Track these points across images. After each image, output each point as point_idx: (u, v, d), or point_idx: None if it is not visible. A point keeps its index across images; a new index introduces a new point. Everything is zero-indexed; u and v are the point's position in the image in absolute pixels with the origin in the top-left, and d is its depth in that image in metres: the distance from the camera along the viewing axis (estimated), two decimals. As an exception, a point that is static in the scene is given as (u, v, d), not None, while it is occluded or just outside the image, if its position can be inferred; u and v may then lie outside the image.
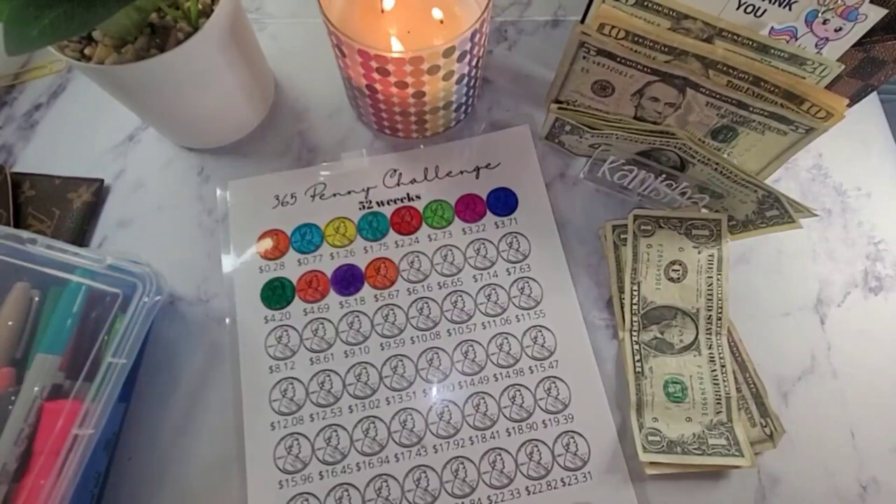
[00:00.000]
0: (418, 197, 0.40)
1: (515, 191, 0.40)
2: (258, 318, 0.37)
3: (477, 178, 0.41)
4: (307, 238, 0.39)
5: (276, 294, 0.37)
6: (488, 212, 0.40)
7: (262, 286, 0.37)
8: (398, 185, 0.40)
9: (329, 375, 0.35)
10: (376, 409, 0.35)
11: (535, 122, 0.42)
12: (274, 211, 0.39)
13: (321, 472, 0.33)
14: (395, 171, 0.41)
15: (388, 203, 0.40)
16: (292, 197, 0.40)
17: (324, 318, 0.37)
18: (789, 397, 0.36)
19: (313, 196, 0.40)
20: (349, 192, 0.40)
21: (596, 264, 0.39)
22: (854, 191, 0.41)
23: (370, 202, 0.40)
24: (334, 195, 0.40)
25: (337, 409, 0.35)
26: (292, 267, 0.38)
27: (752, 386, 0.35)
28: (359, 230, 0.39)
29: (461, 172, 0.41)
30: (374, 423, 0.34)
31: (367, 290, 0.37)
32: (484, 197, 0.40)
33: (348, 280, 0.38)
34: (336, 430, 0.34)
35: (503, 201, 0.40)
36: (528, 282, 0.38)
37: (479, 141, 0.42)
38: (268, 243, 0.39)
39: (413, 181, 0.40)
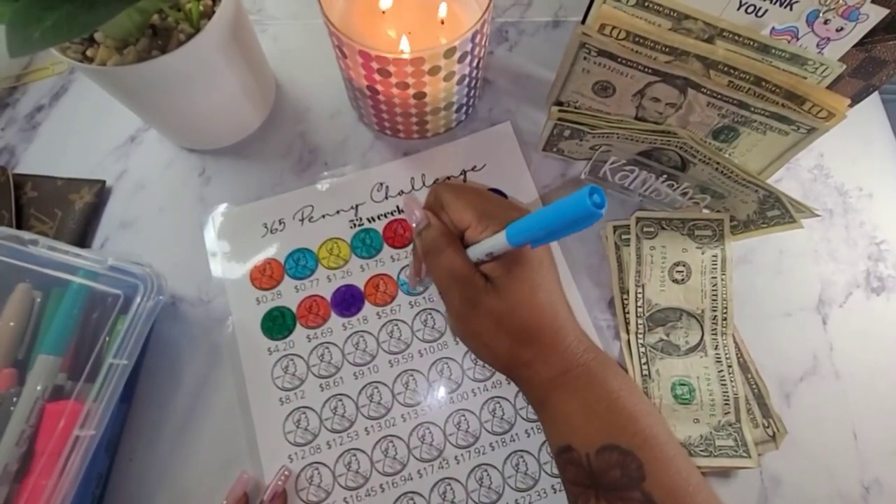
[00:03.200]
0: None
1: (504, 190, 0.40)
2: (262, 351, 0.36)
3: (464, 181, 0.40)
4: (301, 263, 0.38)
5: (277, 324, 0.37)
6: None
7: (262, 317, 0.37)
8: (386, 198, 0.40)
9: (341, 399, 0.35)
10: (393, 427, 0.34)
11: (514, 120, 0.42)
12: (263, 240, 0.39)
13: (345, 498, 0.33)
14: (382, 184, 0.40)
15: (378, 218, 0.39)
16: (280, 223, 0.39)
17: (328, 343, 0.36)
18: (791, 398, 0.36)
19: (302, 220, 0.39)
20: (338, 212, 0.39)
21: (597, 265, 0.39)
22: (856, 191, 0.41)
23: (360, 219, 0.39)
24: (323, 216, 0.39)
25: (353, 432, 0.34)
26: (290, 294, 0.37)
27: (754, 386, 0.35)
28: (353, 249, 0.38)
29: (448, 178, 0.40)
30: (392, 441, 0.34)
31: (368, 309, 0.37)
32: None
33: (348, 301, 0.37)
34: (355, 455, 0.34)
35: None
36: None
37: (461, 144, 0.41)
38: (261, 273, 0.38)
39: (401, 192, 0.40)
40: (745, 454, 0.33)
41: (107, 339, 0.33)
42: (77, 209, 0.39)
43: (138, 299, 0.33)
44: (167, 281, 0.38)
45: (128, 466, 0.34)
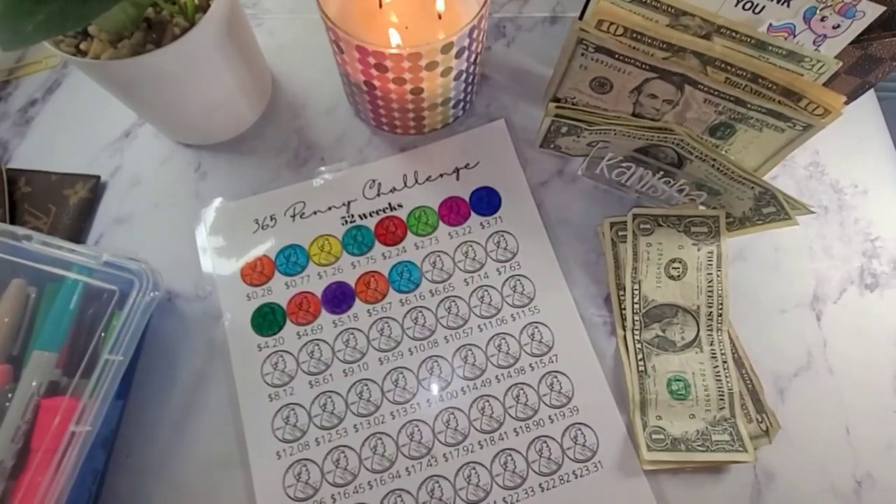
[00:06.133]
0: (400, 206, 0.39)
1: (497, 188, 0.40)
2: (251, 347, 0.36)
3: (457, 179, 0.40)
4: (292, 260, 0.38)
5: (267, 320, 0.36)
6: (472, 213, 0.39)
7: (252, 314, 0.36)
8: (378, 195, 0.40)
9: (330, 397, 0.35)
10: (382, 424, 0.34)
11: (512, 116, 0.42)
12: (254, 236, 0.38)
13: (333, 494, 0.33)
14: (374, 181, 0.40)
15: (370, 215, 0.39)
16: (272, 219, 0.39)
17: (318, 339, 0.36)
18: (785, 393, 0.36)
19: (293, 216, 0.39)
20: (329, 209, 0.39)
21: (594, 261, 0.39)
22: (851, 188, 0.42)
23: (352, 216, 0.39)
24: (315, 213, 0.39)
25: (342, 429, 0.34)
26: (280, 291, 0.37)
27: (748, 382, 0.36)
28: (344, 246, 0.38)
29: (441, 175, 0.40)
30: (381, 439, 0.34)
31: (359, 306, 0.37)
32: (466, 198, 0.40)
33: (339, 298, 0.37)
34: (344, 452, 0.34)
35: (486, 201, 0.40)
36: (519, 279, 0.38)
37: (455, 141, 0.41)
38: (252, 269, 0.38)
39: (393, 189, 0.40)
40: (741, 448, 0.33)
41: (102, 335, 0.33)
42: (71, 205, 0.39)
43: (134, 295, 0.33)
44: (163, 277, 0.38)
45: (124, 462, 0.34)
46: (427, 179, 0.40)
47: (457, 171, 0.40)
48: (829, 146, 0.42)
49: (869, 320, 0.38)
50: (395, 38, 0.36)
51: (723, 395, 0.35)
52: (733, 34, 0.30)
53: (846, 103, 0.30)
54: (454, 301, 0.37)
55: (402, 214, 0.39)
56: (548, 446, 0.34)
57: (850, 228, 0.40)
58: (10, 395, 0.30)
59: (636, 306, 0.37)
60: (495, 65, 0.44)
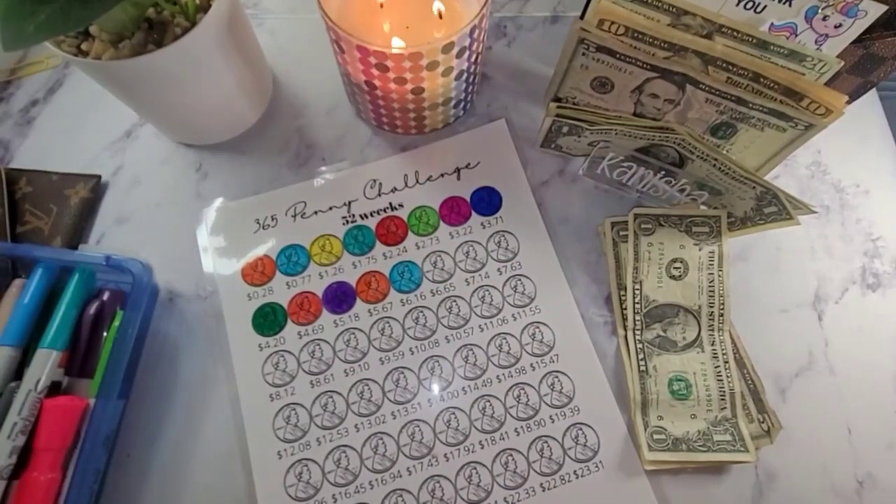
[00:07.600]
0: (401, 205, 0.39)
1: (498, 188, 0.40)
2: (252, 347, 0.36)
3: (458, 179, 0.40)
4: (293, 260, 0.38)
5: (268, 320, 0.36)
6: (473, 213, 0.39)
7: (253, 313, 0.36)
8: (379, 195, 0.40)
9: (331, 396, 0.35)
10: (383, 424, 0.34)
11: (512, 116, 0.42)
12: (255, 235, 0.38)
13: (334, 494, 0.33)
14: (375, 181, 0.40)
15: (371, 215, 0.39)
16: (273, 219, 0.39)
17: (319, 339, 0.36)
18: (787, 393, 0.36)
19: (294, 216, 0.39)
20: (330, 208, 0.39)
21: (595, 261, 0.39)
22: (853, 188, 0.41)
23: (353, 216, 0.39)
24: (315, 213, 0.39)
25: (343, 429, 0.34)
26: (281, 291, 0.37)
27: (749, 382, 0.36)
28: (345, 246, 0.38)
29: (441, 175, 0.40)
30: (382, 439, 0.34)
31: (360, 306, 0.37)
32: (467, 198, 0.40)
33: (340, 298, 0.37)
34: (345, 451, 0.34)
35: (487, 200, 0.40)
36: (520, 279, 0.38)
37: (456, 141, 0.41)
38: (253, 269, 0.38)
39: (394, 189, 0.40)
40: (742, 448, 0.33)
41: (104, 334, 0.33)
42: (73, 204, 0.39)
43: (135, 295, 0.33)
44: (164, 276, 0.38)
45: (125, 462, 0.34)
46: (428, 179, 0.40)
47: (457, 170, 0.40)
48: (831, 146, 0.42)
49: (870, 320, 0.38)
50: (395, 38, 0.36)
51: (724, 395, 0.35)
52: (735, 34, 0.30)
53: (848, 103, 0.30)
54: (455, 301, 0.37)
55: (402, 214, 0.39)
56: (549, 446, 0.34)
57: (852, 228, 0.40)
58: (13, 394, 0.30)
59: (637, 306, 0.37)
60: (496, 64, 0.44)
